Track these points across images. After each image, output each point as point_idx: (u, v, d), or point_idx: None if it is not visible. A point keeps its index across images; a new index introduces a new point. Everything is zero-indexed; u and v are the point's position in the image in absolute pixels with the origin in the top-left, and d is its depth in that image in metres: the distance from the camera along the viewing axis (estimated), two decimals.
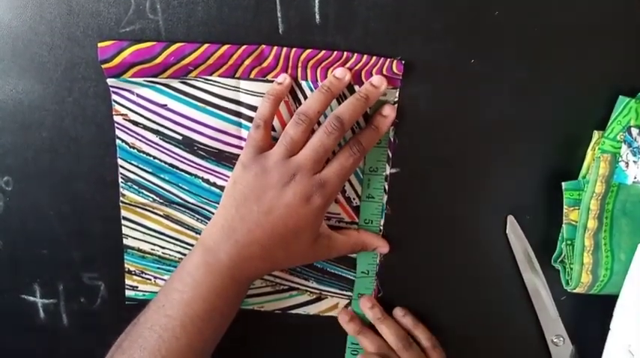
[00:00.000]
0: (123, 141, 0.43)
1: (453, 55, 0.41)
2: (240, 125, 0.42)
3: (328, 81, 0.41)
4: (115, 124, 0.42)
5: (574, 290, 0.45)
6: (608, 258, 0.44)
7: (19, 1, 0.39)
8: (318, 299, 0.48)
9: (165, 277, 0.47)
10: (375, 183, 0.44)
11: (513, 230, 0.46)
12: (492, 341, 0.49)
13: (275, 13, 0.40)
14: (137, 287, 0.47)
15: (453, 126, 0.43)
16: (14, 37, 0.40)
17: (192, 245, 0.46)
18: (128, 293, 0.47)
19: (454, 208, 0.45)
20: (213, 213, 0.45)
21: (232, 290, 0.40)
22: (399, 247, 0.46)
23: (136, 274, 0.46)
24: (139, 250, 0.46)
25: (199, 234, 0.45)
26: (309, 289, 0.48)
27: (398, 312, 0.48)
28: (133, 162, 0.43)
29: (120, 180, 0.44)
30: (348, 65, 0.41)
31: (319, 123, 0.41)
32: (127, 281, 0.47)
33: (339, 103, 0.41)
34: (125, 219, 0.45)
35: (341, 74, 0.41)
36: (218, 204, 0.44)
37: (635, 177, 0.43)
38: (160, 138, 0.43)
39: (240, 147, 0.43)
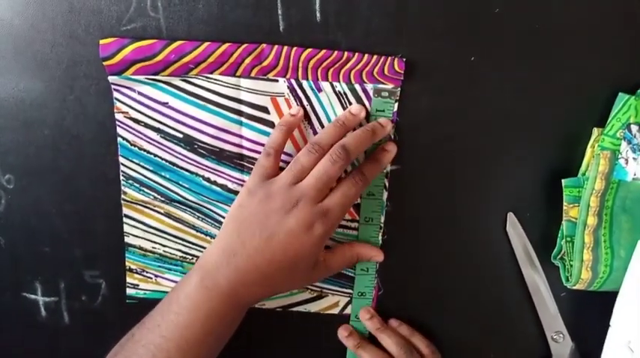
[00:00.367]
0: (124, 139, 0.43)
1: (454, 53, 0.41)
2: (240, 123, 0.42)
3: (344, 116, 0.42)
4: (117, 122, 0.42)
5: (574, 287, 0.45)
6: (608, 255, 0.44)
7: None
8: (319, 297, 0.48)
9: (167, 275, 0.47)
10: (375, 181, 0.44)
11: (513, 227, 0.46)
12: (492, 338, 0.50)
13: (276, 11, 0.40)
14: (138, 285, 0.47)
15: (453, 124, 0.43)
16: (16, 35, 0.40)
17: (193, 243, 0.46)
18: (129, 291, 0.47)
19: (454, 205, 0.46)
20: (213, 211, 0.45)
21: (229, 316, 0.39)
22: (399, 244, 0.46)
23: (137, 272, 0.47)
24: (140, 248, 0.46)
25: (200, 232, 0.46)
26: (309, 287, 0.48)
27: (393, 323, 0.48)
28: (134, 160, 0.43)
29: (121, 177, 0.44)
30: (349, 65, 0.41)
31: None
32: (128, 280, 0.47)
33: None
34: (126, 216, 0.45)
35: (356, 111, 0.42)
36: (219, 202, 0.44)
37: (635, 174, 0.43)
38: (161, 136, 0.43)
39: (241, 146, 0.43)
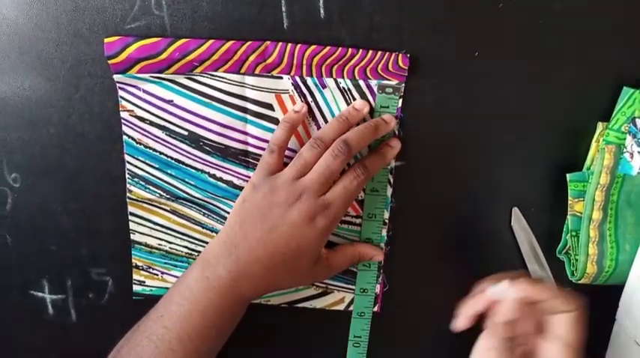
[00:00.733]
0: (129, 137, 0.43)
1: (458, 48, 0.41)
2: (245, 120, 0.43)
3: (347, 111, 0.42)
4: (122, 120, 0.42)
5: (579, 282, 0.45)
6: (614, 249, 0.44)
7: None
8: (325, 293, 0.48)
9: (173, 272, 0.47)
10: (379, 177, 0.44)
11: (518, 222, 0.46)
12: None
13: (280, 8, 0.40)
14: (144, 282, 0.47)
15: (457, 119, 0.43)
16: (20, 34, 0.40)
17: (199, 239, 0.46)
18: (135, 288, 0.47)
19: (459, 200, 0.46)
20: (219, 208, 0.45)
21: (230, 308, 0.40)
22: (404, 240, 0.46)
23: (143, 269, 0.47)
24: (147, 245, 0.46)
25: (206, 228, 0.46)
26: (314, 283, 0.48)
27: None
28: (139, 157, 0.43)
29: (127, 175, 0.44)
30: (353, 61, 0.41)
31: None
32: (135, 276, 0.47)
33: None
34: (132, 214, 0.45)
35: (360, 106, 0.42)
36: (224, 198, 0.45)
37: None
38: (166, 134, 0.43)
39: (246, 143, 0.43)
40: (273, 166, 0.41)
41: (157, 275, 0.47)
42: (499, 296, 0.38)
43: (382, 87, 0.42)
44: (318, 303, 0.48)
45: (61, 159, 0.44)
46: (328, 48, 0.40)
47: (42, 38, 0.40)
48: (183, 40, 0.40)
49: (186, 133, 0.43)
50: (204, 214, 0.45)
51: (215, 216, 0.45)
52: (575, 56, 0.42)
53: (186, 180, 0.44)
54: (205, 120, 0.42)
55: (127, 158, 0.43)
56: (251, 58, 0.41)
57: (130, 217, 0.45)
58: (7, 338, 0.49)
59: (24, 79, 0.41)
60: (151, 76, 0.41)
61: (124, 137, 0.43)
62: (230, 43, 0.40)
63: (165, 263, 0.47)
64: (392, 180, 0.45)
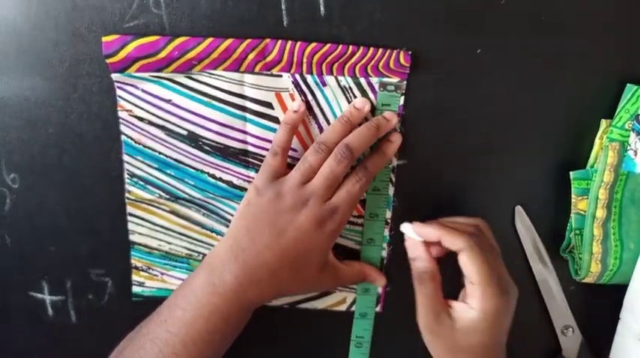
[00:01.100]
0: (128, 136, 0.42)
1: (460, 46, 0.41)
2: (245, 119, 0.42)
3: (348, 111, 0.42)
4: (120, 120, 0.42)
5: (583, 280, 0.45)
6: (618, 247, 0.44)
7: None
8: (326, 293, 0.48)
9: (172, 273, 0.47)
10: (381, 176, 0.44)
11: (521, 220, 0.46)
12: None
13: (279, 6, 0.40)
14: (144, 283, 0.47)
15: (460, 117, 0.43)
16: (19, 33, 0.40)
17: (198, 240, 0.46)
18: (135, 289, 0.47)
19: (462, 199, 0.45)
20: (219, 208, 0.45)
21: (235, 315, 0.39)
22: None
23: (142, 270, 0.46)
24: (146, 246, 0.46)
25: (206, 228, 0.45)
26: None
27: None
28: (138, 157, 0.43)
29: (125, 176, 0.44)
30: (353, 59, 0.41)
31: None
32: (134, 278, 0.47)
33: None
34: (131, 215, 0.45)
35: (360, 104, 0.42)
36: (224, 198, 0.44)
37: None
38: (165, 134, 0.43)
39: (246, 142, 0.43)
40: (276, 169, 0.41)
41: (157, 276, 0.47)
42: (408, 235, 0.42)
43: (384, 84, 0.42)
44: (320, 304, 0.48)
45: (59, 159, 0.43)
46: (329, 45, 0.40)
47: (40, 38, 0.40)
48: (181, 39, 0.40)
49: (185, 133, 0.42)
50: (203, 214, 0.45)
51: (215, 216, 0.45)
52: (578, 53, 0.42)
53: (186, 180, 0.44)
54: (204, 119, 0.42)
55: (126, 158, 0.43)
56: (250, 56, 0.40)
57: (129, 217, 0.45)
58: (8, 340, 0.48)
59: (22, 78, 0.41)
60: (150, 75, 0.40)
61: (123, 137, 0.43)
62: (229, 40, 0.40)
63: (165, 263, 0.46)
64: (394, 179, 0.44)
